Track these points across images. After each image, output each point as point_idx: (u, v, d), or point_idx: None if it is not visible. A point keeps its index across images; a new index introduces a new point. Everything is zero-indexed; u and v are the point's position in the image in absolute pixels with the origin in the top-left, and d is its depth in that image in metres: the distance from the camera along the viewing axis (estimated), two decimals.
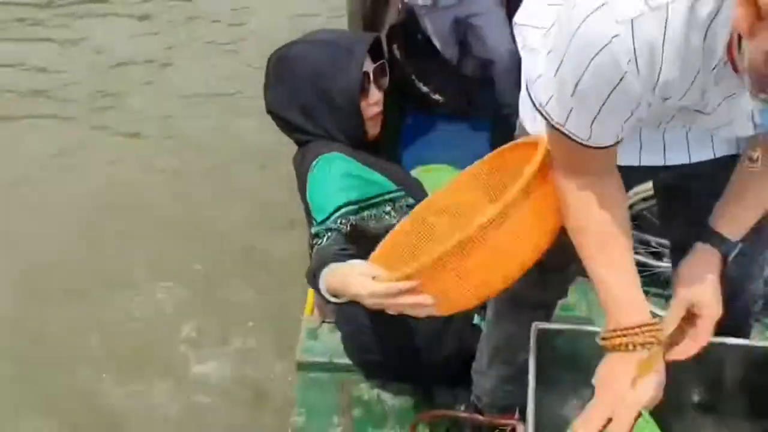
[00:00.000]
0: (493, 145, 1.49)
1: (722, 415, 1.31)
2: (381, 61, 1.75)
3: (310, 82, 1.70)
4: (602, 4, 0.83)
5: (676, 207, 1.44)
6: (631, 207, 2.14)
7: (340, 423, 1.94)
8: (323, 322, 2.17)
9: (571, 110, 0.96)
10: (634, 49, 0.84)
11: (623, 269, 1.08)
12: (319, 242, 1.58)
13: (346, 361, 2.03)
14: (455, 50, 2.95)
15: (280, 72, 1.75)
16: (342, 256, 1.45)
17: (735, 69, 0.86)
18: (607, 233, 1.06)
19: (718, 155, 1.22)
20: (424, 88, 2.96)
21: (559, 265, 1.36)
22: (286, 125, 1.79)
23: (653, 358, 1.02)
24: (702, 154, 1.22)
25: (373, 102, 1.73)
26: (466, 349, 1.81)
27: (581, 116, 0.96)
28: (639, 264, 2.29)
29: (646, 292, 2.29)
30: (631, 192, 2.12)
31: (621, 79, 0.87)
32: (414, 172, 2.30)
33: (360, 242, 1.58)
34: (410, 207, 1.68)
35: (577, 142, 1.00)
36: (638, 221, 2.29)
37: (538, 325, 1.32)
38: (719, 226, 1.15)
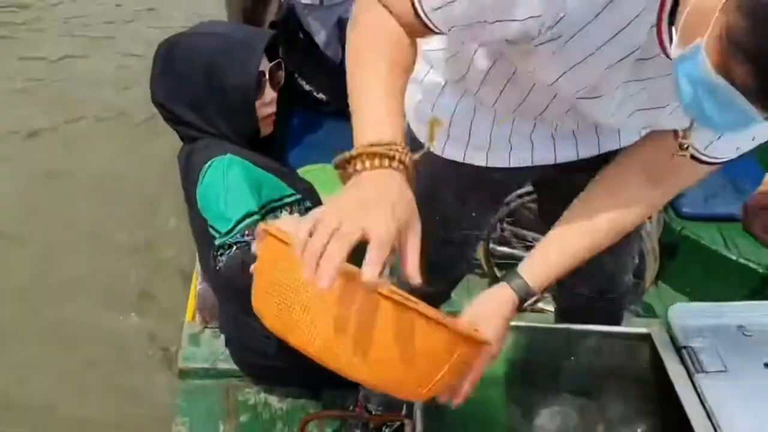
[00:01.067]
0: None
1: (597, 399, 1.37)
2: (277, 60, 1.72)
3: (203, 75, 1.63)
4: None
5: (556, 199, 1.49)
6: (508, 203, 2.22)
7: (225, 430, 1.88)
8: (205, 327, 2.10)
9: None
10: None
11: (389, 83, 0.91)
12: (224, 253, 1.54)
13: (230, 366, 1.97)
14: (338, 49, 2.94)
15: (171, 62, 1.67)
16: None
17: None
18: (383, 46, 0.93)
19: (602, 150, 1.25)
20: (308, 87, 2.93)
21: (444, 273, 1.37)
22: (172, 118, 1.71)
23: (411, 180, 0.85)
24: (589, 149, 1.25)
25: (268, 101, 1.69)
26: None
27: None
28: (515, 257, 2.40)
29: None
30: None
31: None
32: (301, 172, 2.27)
33: None
34: (307, 210, 1.65)
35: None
36: (515, 216, 2.38)
37: None
38: (525, 270, 1.10)
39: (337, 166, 0.90)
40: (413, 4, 0.92)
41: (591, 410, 1.40)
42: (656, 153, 1.09)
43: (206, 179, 1.61)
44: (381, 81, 0.90)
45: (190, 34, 1.72)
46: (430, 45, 1.18)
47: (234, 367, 1.97)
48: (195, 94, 1.65)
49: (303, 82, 2.92)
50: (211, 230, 1.60)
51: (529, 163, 1.25)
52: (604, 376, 1.28)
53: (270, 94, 1.69)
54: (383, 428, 1.79)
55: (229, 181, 1.59)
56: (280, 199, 1.68)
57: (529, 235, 2.40)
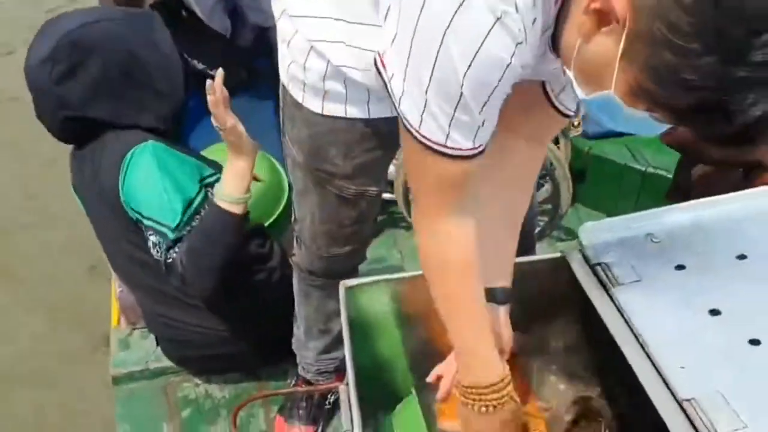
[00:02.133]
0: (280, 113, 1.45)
1: (526, 329, 1.39)
2: None
3: (125, 62, 1.58)
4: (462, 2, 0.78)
5: None
6: None
7: (169, 429, 1.83)
8: (133, 329, 2.03)
9: (451, 119, 0.87)
10: (522, 20, 0.80)
11: (486, 320, 1.06)
12: (175, 246, 1.54)
13: (164, 363, 1.92)
14: (226, 22, 2.83)
15: (79, 58, 1.56)
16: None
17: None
18: (475, 280, 1.03)
19: None
20: (200, 66, 2.81)
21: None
22: (72, 124, 1.62)
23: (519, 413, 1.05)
24: None
25: None
26: (284, 324, 1.78)
27: (464, 116, 0.87)
28: None
29: None
30: None
31: (511, 58, 0.82)
32: (205, 153, 2.20)
33: None
34: None
35: (454, 155, 0.91)
36: None
37: (346, 283, 1.31)
38: (499, 281, 1.18)
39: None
40: (464, 158, 0.92)
41: (523, 340, 1.42)
42: (535, 117, 1.13)
43: (133, 170, 1.55)
44: (479, 326, 1.04)
45: (84, 25, 1.58)
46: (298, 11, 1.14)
47: (169, 363, 1.93)
48: (114, 86, 1.59)
49: (194, 61, 2.80)
50: (150, 224, 1.54)
51: None
52: (529, 303, 1.29)
53: None
54: (328, 397, 1.78)
55: (163, 169, 1.55)
56: (204, 179, 1.64)
57: None
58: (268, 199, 2.23)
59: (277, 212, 2.27)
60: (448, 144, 0.90)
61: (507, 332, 1.19)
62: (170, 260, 1.55)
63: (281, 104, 1.31)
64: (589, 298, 1.17)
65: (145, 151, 1.55)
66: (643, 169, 2.30)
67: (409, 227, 2.43)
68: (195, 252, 1.54)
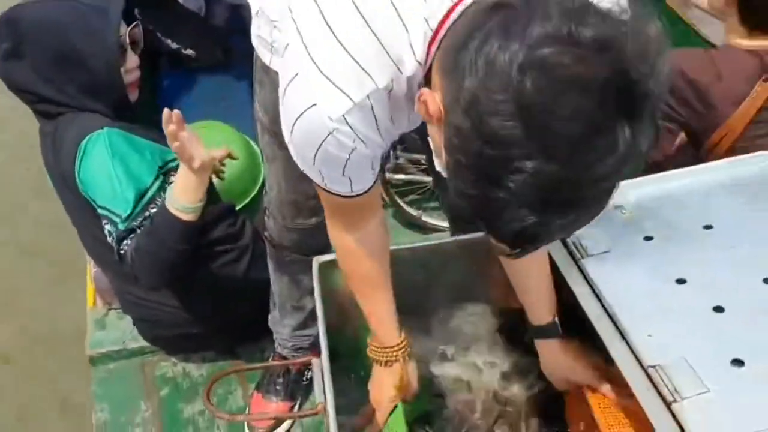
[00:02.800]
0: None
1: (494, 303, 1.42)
2: (135, 23, 1.64)
3: (59, 50, 1.53)
4: (312, 105, 0.88)
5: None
6: None
7: (147, 407, 1.84)
8: (109, 309, 2.03)
9: (323, 176, 1.00)
10: (354, 132, 0.90)
11: (385, 303, 1.23)
12: (128, 236, 1.52)
13: (142, 343, 1.92)
14: (200, 1, 2.80)
15: (19, 39, 1.55)
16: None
17: None
18: (373, 278, 1.20)
19: None
20: (174, 45, 2.78)
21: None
22: (30, 98, 1.60)
23: (403, 369, 1.25)
24: None
25: (132, 67, 1.63)
26: (260, 302, 1.78)
27: (334, 177, 1.00)
28: (413, 183, 2.40)
29: (424, 208, 2.41)
30: None
31: (352, 151, 0.92)
32: None
33: None
34: None
35: (342, 196, 1.04)
36: (405, 143, 2.37)
37: (319, 259, 1.32)
38: (535, 320, 1.26)
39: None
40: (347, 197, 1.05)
41: (492, 313, 1.44)
42: None
43: (88, 158, 1.53)
44: (383, 307, 1.22)
45: (29, 5, 1.58)
46: None
47: (145, 343, 1.93)
48: (51, 69, 1.55)
49: (168, 41, 2.77)
50: (104, 213, 1.53)
51: None
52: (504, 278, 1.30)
53: (133, 59, 1.63)
54: (305, 373, 1.79)
55: (116, 157, 1.52)
56: (165, 164, 1.62)
57: (422, 158, 2.40)
58: (245, 179, 2.22)
59: (254, 192, 2.26)
60: (330, 189, 1.03)
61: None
62: (122, 252, 1.54)
63: (253, 69, 1.31)
64: (559, 269, 1.18)
65: (99, 139, 1.53)
66: None
67: (386, 205, 2.44)
68: (142, 251, 1.52)
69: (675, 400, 0.94)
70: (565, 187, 0.68)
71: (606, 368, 1.20)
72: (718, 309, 1.05)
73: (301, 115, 0.90)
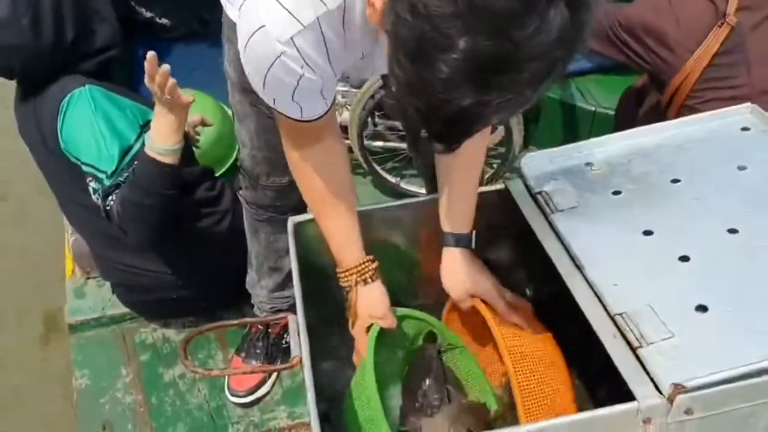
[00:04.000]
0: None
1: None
2: None
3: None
4: (261, 26, 0.90)
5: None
6: (372, 96, 2.21)
7: (128, 373, 1.85)
8: (88, 278, 2.03)
9: (273, 98, 1.02)
10: (302, 57, 0.92)
11: (343, 221, 1.21)
12: (113, 192, 1.53)
13: (121, 310, 1.93)
14: None
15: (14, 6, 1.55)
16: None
17: None
18: (331, 194, 1.18)
19: None
20: (148, 14, 2.75)
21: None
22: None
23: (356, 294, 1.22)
24: None
25: None
26: (240, 267, 1.79)
27: (283, 101, 1.01)
28: (391, 150, 2.41)
29: (403, 175, 2.42)
30: (371, 81, 2.18)
31: (300, 78, 0.94)
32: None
33: None
34: None
35: (294, 119, 1.05)
36: (383, 110, 2.37)
37: (294, 219, 1.32)
38: (446, 226, 1.25)
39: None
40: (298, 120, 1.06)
41: None
42: None
43: (71, 115, 1.53)
44: (340, 225, 1.20)
45: None
46: None
47: (125, 310, 1.93)
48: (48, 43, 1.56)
49: (142, 9, 2.74)
50: (89, 170, 1.53)
51: None
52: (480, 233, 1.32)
53: None
54: (285, 336, 1.81)
55: (99, 113, 1.53)
56: (147, 123, 1.62)
57: (400, 125, 2.40)
58: (221, 145, 2.22)
59: (230, 160, 2.26)
60: (281, 112, 1.05)
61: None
62: (108, 207, 1.54)
63: (222, 29, 1.31)
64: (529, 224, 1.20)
65: (81, 96, 1.53)
66: (593, 108, 2.34)
67: (365, 174, 2.45)
68: (127, 201, 1.53)
69: (641, 346, 0.96)
70: (497, 65, 0.70)
71: (501, 287, 1.26)
72: (684, 258, 1.07)
73: (251, 36, 0.91)
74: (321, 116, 1.07)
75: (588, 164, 1.29)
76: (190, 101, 1.53)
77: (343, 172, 1.19)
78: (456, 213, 1.25)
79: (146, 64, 1.44)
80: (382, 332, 1.21)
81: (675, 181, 1.21)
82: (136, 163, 1.55)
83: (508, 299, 1.26)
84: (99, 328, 1.93)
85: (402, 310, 1.30)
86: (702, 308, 1.00)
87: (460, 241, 1.25)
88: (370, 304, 1.22)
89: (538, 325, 1.27)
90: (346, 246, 1.21)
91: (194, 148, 1.83)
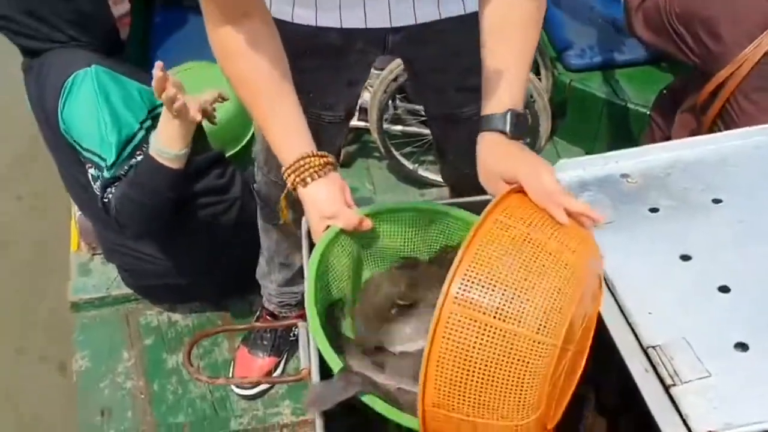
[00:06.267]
0: None
1: None
2: None
3: None
4: None
5: (413, 74, 1.41)
6: (396, 79, 2.13)
7: (130, 357, 1.81)
8: (93, 254, 1.97)
9: None
10: None
11: (281, 110, 1.03)
12: (113, 184, 1.48)
13: (127, 290, 1.88)
14: None
15: None
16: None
17: None
18: (264, 84, 1.01)
19: (444, 15, 1.18)
20: None
21: None
22: (12, 28, 1.51)
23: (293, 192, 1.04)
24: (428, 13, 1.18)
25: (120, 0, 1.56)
26: (250, 255, 1.73)
27: None
28: (411, 134, 2.33)
29: (421, 161, 2.35)
30: (394, 64, 2.10)
31: None
32: (174, 72, 2.09)
33: None
34: None
35: None
36: (405, 93, 2.30)
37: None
38: (486, 109, 0.99)
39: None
40: None
41: None
42: None
43: (74, 97, 1.46)
44: (280, 117, 1.03)
45: None
46: None
47: (130, 291, 1.88)
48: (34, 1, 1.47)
49: None
50: (89, 156, 1.46)
51: (362, 25, 1.16)
52: None
53: None
54: (293, 329, 1.76)
55: (103, 98, 1.45)
56: (154, 108, 1.55)
57: (421, 108, 2.32)
58: (236, 123, 2.15)
59: (245, 139, 2.19)
60: None
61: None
62: (106, 200, 1.48)
63: None
64: None
65: (87, 78, 1.45)
66: (623, 103, 2.25)
67: (382, 158, 2.37)
68: (126, 200, 1.47)
69: (674, 384, 0.90)
70: None
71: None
72: (724, 289, 1.00)
73: None
74: None
75: (624, 175, 1.21)
76: (198, 120, 1.45)
77: (275, 62, 1.01)
78: (491, 88, 0.99)
79: (153, 82, 1.35)
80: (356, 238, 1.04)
81: (717, 201, 1.14)
82: (140, 158, 1.48)
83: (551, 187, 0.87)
84: (103, 307, 1.88)
85: (385, 205, 1.09)
86: (742, 346, 0.93)
87: (490, 122, 0.97)
88: (315, 203, 1.00)
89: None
90: (284, 142, 1.02)
91: (211, 124, 1.76)
